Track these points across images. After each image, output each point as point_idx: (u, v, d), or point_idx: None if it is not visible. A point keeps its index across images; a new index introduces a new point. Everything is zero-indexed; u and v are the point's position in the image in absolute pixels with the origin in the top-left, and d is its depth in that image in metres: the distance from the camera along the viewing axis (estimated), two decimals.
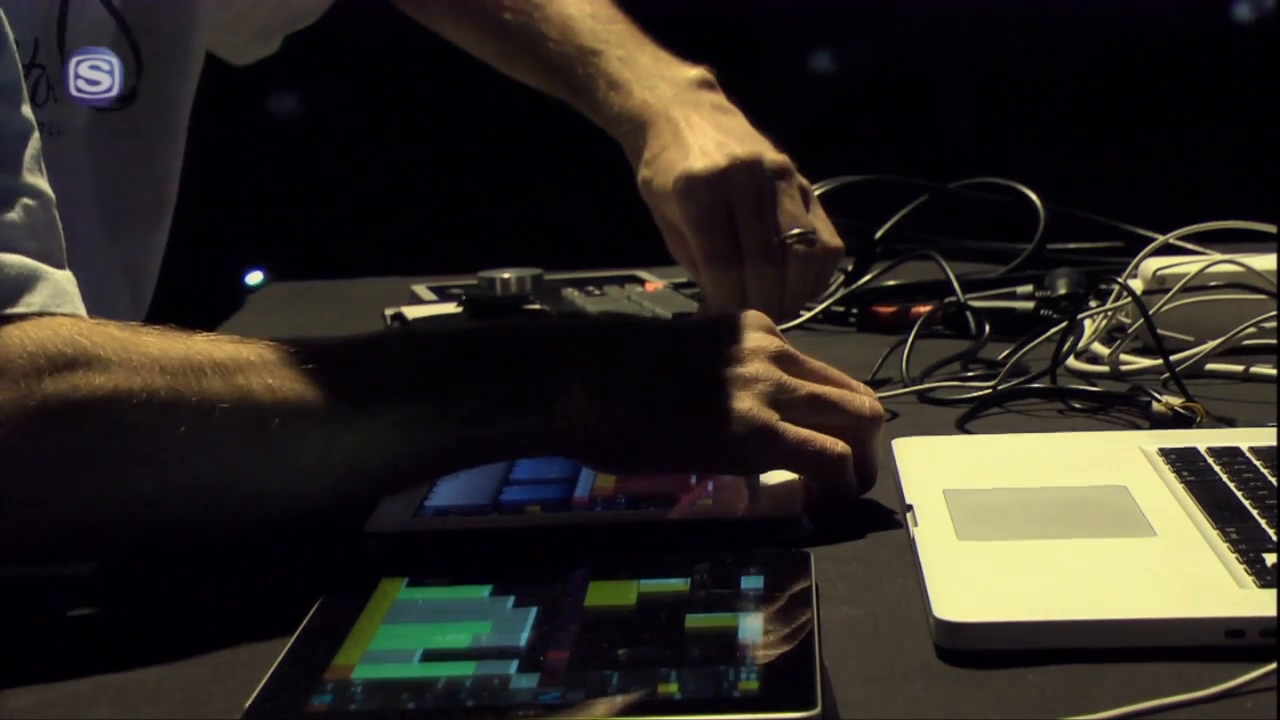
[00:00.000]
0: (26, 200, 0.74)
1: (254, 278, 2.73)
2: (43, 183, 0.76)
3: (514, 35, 1.21)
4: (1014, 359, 1.11)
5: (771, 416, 0.80)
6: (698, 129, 1.10)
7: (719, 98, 1.15)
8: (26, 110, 0.75)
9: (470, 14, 1.24)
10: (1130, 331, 1.13)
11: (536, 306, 1.29)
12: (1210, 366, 1.12)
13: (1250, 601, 0.68)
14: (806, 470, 0.82)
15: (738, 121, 1.13)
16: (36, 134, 0.76)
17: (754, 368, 0.81)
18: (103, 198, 1.03)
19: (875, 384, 1.09)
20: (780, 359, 0.82)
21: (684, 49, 1.19)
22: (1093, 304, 1.22)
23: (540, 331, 0.82)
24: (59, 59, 0.96)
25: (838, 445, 0.81)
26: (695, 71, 1.15)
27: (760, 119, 1.17)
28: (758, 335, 0.82)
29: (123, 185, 1.04)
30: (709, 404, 0.80)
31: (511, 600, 0.70)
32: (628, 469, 0.84)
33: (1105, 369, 1.13)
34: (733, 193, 1.07)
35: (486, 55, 1.26)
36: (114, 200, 1.04)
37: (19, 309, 0.72)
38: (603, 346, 0.81)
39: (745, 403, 0.80)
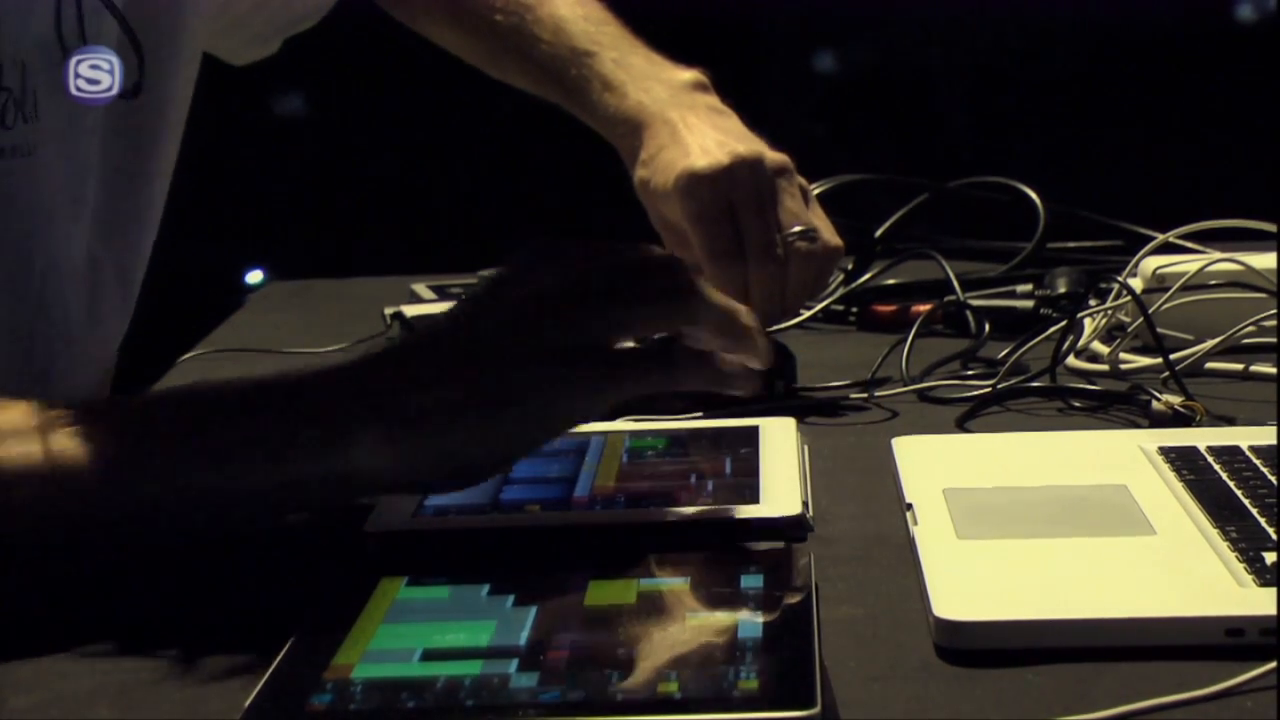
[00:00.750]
0: None
1: (254, 278, 2.73)
2: None
3: (505, 37, 1.20)
4: (1014, 358, 1.11)
5: (560, 371, 0.75)
6: (695, 129, 1.10)
7: (714, 100, 1.15)
8: None
9: (460, 16, 1.23)
10: (1130, 330, 1.13)
11: None
12: (1210, 365, 1.12)
13: (1250, 600, 0.68)
14: (636, 394, 0.78)
15: (734, 123, 1.13)
16: None
17: (544, 327, 0.75)
18: (93, 203, 1.02)
19: (875, 383, 1.10)
20: (576, 295, 0.76)
21: (684, 49, 1.19)
22: (1092, 303, 1.23)
23: (328, 372, 0.77)
24: (60, 60, 0.95)
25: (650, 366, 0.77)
26: (689, 74, 1.15)
27: (760, 119, 1.17)
28: (549, 280, 0.77)
29: (115, 188, 1.03)
30: (502, 392, 0.75)
31: (511, 600, 0.70)
32: (450, 489, 0.80)
33: (1105, 368, 1.13)
34: (735, 190, 1.07)
35: (476, 58, 1.26)
36: (106, 204, 1.03)
37: None
38: (394, 373, 0.76)
39: (535, 371, 0.75)
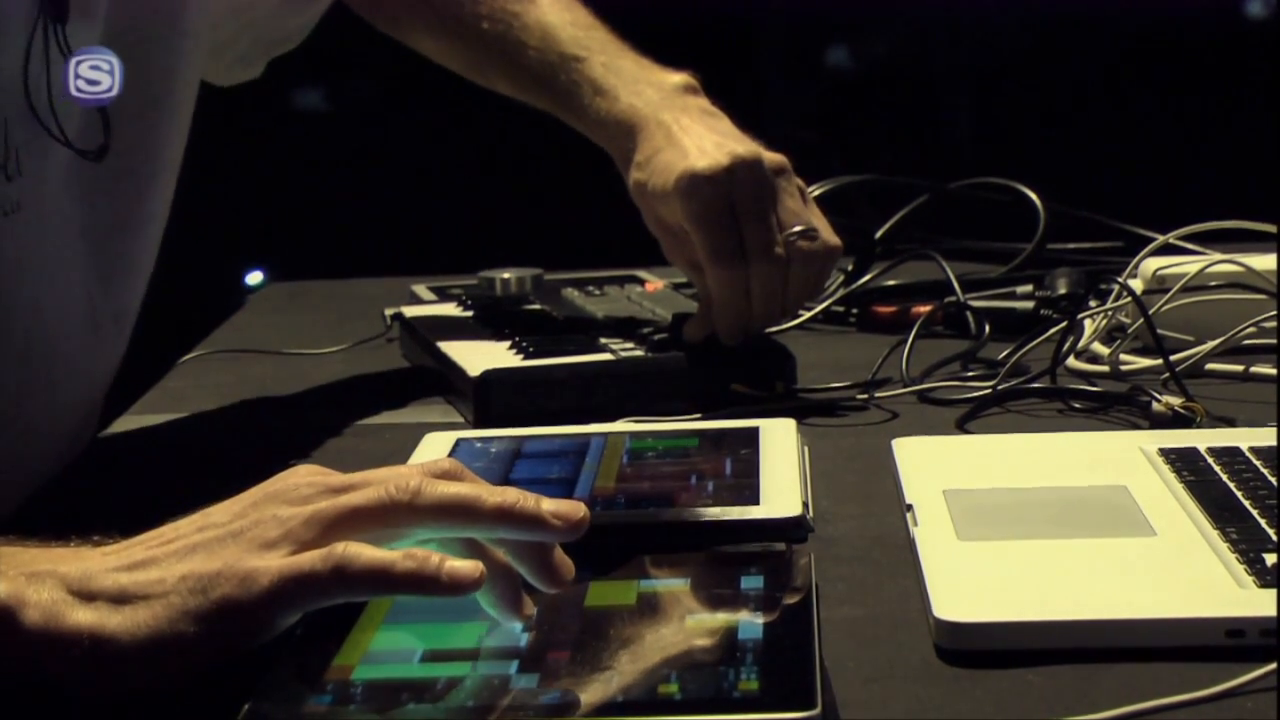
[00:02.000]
0: None
1: (254, 278, 2.73)
2: None
3: (492, 44, 1.20)
4: (1014, 359, 1.11)
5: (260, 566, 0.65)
6: (691, 131, 1.10)
7: (704, 102, 1.15)
8: None
9: (447, 25, 1.23)
10: (1130, 331, 1.13)
11: (536, 306, 1.29)
12: (1210, 366, 1.12)
13: (1250, 601, 0.68)
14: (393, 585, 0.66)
15: (726, 125, 1.13)
16: None
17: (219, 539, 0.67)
18: (86, 254, 1.01)
19: (875, 384, 1.10)
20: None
21: (683, 49, 1.19)
22: (1093, 304, 1.22)
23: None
24: (30, 122, 0.94)
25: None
26: (679, 77, 1.15)
27: (759, 120, 1.17)
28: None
29: (105, 241, 1.02)
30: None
31: None
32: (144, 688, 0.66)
33: (1105, 369, 1.13)
34: (736, 190, 1.07)
35: (462, 67, 1.25)
36: (99, 256, 1.02)
37: None
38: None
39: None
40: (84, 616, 0.64)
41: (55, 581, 0.65)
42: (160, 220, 1.08)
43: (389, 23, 1.27)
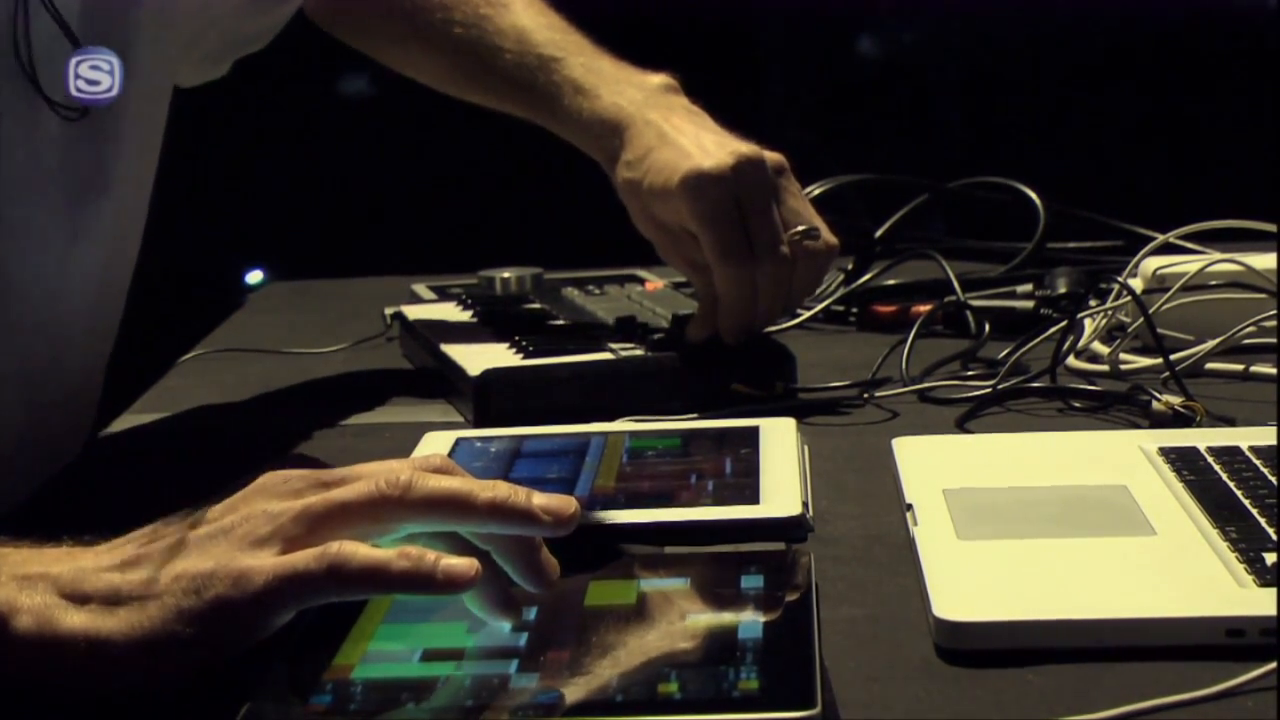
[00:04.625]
0: None
1: (254, 277, 2.73)
2: None
3: (466, 50, 1.19)
4: (1014, 358, 1.11)
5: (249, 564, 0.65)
6: (685, 131, 1.10)
7: (687, 102, 1.14)
8: None
9: (418, 32, 1.21)
10: (1130, 331, 1.13)
11: (536, 306, 1.29)
12: (1210, 366, 1.12)
13: (1250, 601, 0.68)
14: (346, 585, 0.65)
15: (712, 124, 1.13)
16: None
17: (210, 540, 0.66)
18: (63, 215, 1.00)
19: (875, 383, 1.10)
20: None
21: (681, 49, 1.19)
22: (1092, 303, 1.23)
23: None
24: (18, 75, 0.94)
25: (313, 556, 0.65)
26: (659, 77, 1.15)
27: (758, 119, 1.17)
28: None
29: (81, 202, 1.01)
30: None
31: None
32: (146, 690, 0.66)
33: (1105, 368, 1.13)
34: (741, 189, 1.07)
35: (433, 76, 1.24)
36: (76, 218, 1.01)
37: None
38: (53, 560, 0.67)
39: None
40: (77, 620, 0.64)
41: (47, 585, 0.65)
42: (131, 190, 1.06)
43: (354, 34, 1.26)
